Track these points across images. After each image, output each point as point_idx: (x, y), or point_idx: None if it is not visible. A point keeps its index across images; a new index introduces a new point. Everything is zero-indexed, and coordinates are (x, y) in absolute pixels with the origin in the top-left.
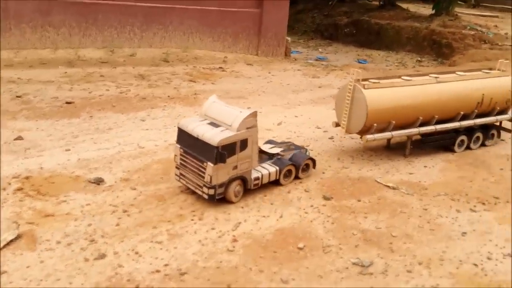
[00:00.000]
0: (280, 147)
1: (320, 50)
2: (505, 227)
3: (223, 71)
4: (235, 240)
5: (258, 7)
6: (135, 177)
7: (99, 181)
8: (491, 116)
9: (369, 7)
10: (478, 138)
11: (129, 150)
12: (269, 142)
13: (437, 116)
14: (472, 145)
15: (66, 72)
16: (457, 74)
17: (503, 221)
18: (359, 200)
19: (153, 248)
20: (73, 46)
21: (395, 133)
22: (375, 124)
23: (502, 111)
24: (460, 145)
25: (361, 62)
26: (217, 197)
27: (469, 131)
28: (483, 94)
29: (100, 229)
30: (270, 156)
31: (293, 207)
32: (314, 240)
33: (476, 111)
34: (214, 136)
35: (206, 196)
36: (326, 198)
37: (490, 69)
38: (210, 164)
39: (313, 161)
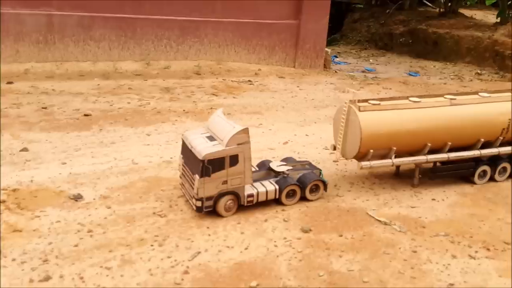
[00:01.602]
0: (291, 166)
1: (371, 60)
2: (505, 281)
3: (250, 84)
4: (186, 272)
5: (296, 19)
6: (115, 195)
7: (77, 198)
8: None
9: (429, 14)
10: (504, 168)
11: (122, 165)
12: (286, 159)
13: (450, 143)
14: (497, 177)
15: (99, 85)
16: (480, 95)
17: (506, 274)
18: (340, 235)
19: (100, 274)
20: (113, 59)
21: (396, 160)
22: (371, 150)
23: None
24: (481, 176)
25: (411, 75)
26: (204, 210)
27: (494, 161)
28: (510, 119)
29: (58, 249)
30: (277, 174)
31: (264, 238)
32: (271, 279)
33: (501, 138)
34: (202, 150)
35: (194, 207)
36: (304, 230)
37: None
38: (196, 177)
39: (324, 183)
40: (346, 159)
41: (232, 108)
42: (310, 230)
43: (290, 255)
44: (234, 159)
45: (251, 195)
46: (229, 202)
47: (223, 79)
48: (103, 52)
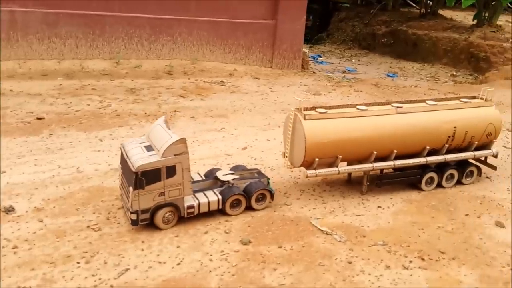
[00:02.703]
0: (238, 175)
1: (353, 61)
2: None
3: (222, 85)
4: None
5: (272, 19)
6: (50, 207)
7: (8, 210)
8: (468, 152)
9: (411, 15)
10: (452, 175)
11: (65, 174)
12: (236, 167)
13: (395, 151)
14: (444, 183)
15: (61, 85)
16: (427, 103)
17: (435, 284)
18: (279, 247)
19: None
20: (80, 57)
21: (343, 169)
22: (317, 159)
23: (485, 146)
24: (429, 183)
25: (390, 76)
26: (140, 223)
27: (441, 168)
28: (455, 127)
29: None
30: (222, 183)
31: (200, 252)
32: None
33: (447, 145)
34: (136, 161)
35: (130, 221)
36: (243, 242)
37: (474, 97)
38: (131, 189)
39: (271, 192)
40: (294, 167)
41: (197, 111)
42: (250, 242)
43: (223, 269)
44: (171, 170)
45: (191, 207)
46: (168, 214)
47: (195, 80)
48: (70, 50)
